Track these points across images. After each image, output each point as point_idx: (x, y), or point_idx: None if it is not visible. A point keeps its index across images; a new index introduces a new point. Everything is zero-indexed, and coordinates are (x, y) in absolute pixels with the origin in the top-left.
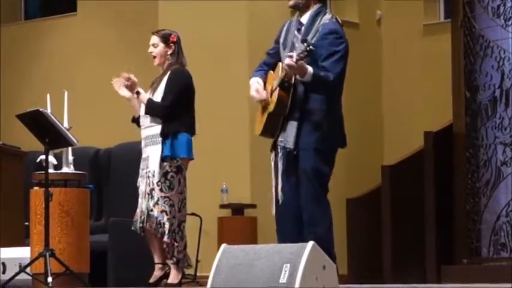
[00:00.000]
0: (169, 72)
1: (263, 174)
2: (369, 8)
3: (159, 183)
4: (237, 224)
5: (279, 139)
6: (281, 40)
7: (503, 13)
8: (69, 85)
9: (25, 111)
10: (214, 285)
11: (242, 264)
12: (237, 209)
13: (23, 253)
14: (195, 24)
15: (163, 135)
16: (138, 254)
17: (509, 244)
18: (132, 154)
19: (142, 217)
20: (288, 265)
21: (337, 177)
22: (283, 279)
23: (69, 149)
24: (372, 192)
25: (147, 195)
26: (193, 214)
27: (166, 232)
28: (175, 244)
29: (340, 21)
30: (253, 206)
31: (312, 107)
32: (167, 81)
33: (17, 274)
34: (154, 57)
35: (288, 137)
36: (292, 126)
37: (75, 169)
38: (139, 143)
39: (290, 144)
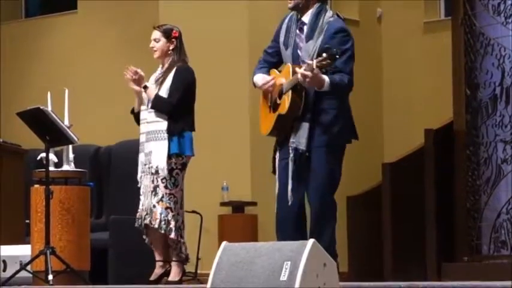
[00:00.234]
0: (174, 69)
1: (264, 172)
2: (369, 6)
3: (164, 180)
4: (238, 222)
5: (291, 140)
6: (281, 39)
7: (504, 11)
8: (69, 83)
9: (25, 109)
10: (215, 282)
11: (243, 262)
12: (238, 207)
13: (23, 251)
14: (195, 23)
15: (170, 132)
16: (139, 251)
17: (510, 242)
18: (132, 152)
19: (145, 213)
20: (289, 263)
21: None
22: (283, 276)
23: (70, 146)
24: (373, 190)
25: (150, 192)
26: (193, 212)
27: (174, 229)
28: (182, 241)
29: (342, 17)
30: (253, 203)
31: (323, 107)
32: (173, 79)
33: (17, 272)
34: (155, 51)
35: (300, 138)
36: (304, 128)
37: (76, 167)
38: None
39: (302, 146)
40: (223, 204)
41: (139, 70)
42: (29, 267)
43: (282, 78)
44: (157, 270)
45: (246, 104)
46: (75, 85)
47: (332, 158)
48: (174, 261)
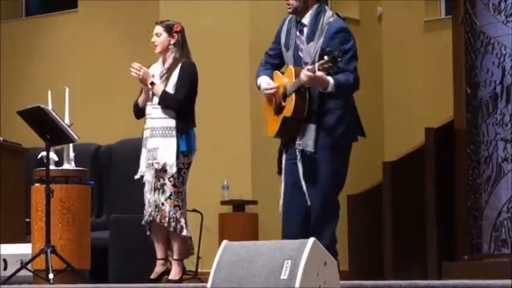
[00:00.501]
0: (180, 65)
1: (264, 171)
2: (369, 5)
3: (172, 178)
4: (238, 221)
5: (297, 142)
6: (282, 41)
7: (504, 9)
8: (69, 81)
9: (26, 107)
10: (216, 281)
11: (243, 260)
12: (238, 206)
13: (24, 249)
14: (196, 23)
15: (179, 130)
16: (139, 250)
17: (510, 240)
18: (133, 150)
19: (150, 209)
20: (289, 261)
21: None
22: (284, 275)
23: (70, 145)
24: (373, 189)
25: (156, 188)
26: (194, 210)
27: (185, 227)
28: (191, 238)
29: (342, 17)
30: (254, 202)
31: (328, 107)
32: (179, 74)
33: (18, 270)
34: (156, 46)
35: (307, 140)
36: (310, 129)
37: (76, 165)
38: (141, 139)
39: (310, 148)
40: (223, 202)
41: (143, 68)
42: (29, 266)
43: (285, 79)
44: (158, 269)
45: (246, 104)
46: (76, 84)
47: (337, 158)
48: (175, 260)
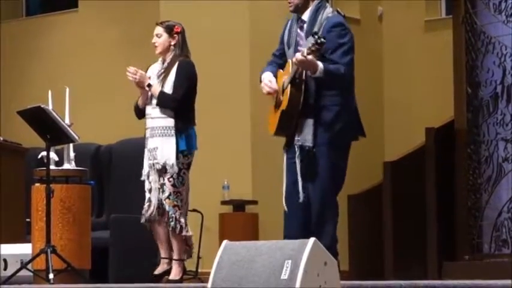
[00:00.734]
0: (177, 64)
1: (265, 171)
2: (370, 4)
3: (172, 178)
4: (239, 221)
5: (296, 138)
6: (285, 40)
7: (505, 9)
8: (69, 81)
9: (26, 107)
10: (216, 281)
11: (243, 260)
12: (239, 206)
13: (24, 249)
14: (196, 23)
15: (178, 129)
16: (139, 250)
17: (511, 240)
18: (133, 150)
19: (152, 208)
20: (290, 261)
21: None
22: (284, 275)
23: (71, 145)
24: (374, 189)
25: (157, 188)
26: (194, 210)
27: (184, 227)
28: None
29: (342, 14)
30: (254, 202)
31: (326, 103)
32: (176, 74)
33: (18, 270)
34: (157, 46)
35: (306, 135)
36: (308, 125)
37: (77, 165)
38: (141, 139)
39: (309, 143)
40: (224, 202)
41: (139, 71)
42: (29, 266)
43: (285, 76)
44: (162, 267)
45: (247, 103)
46: (76, 84)
47: (335, 156)
48: (175, 260)
